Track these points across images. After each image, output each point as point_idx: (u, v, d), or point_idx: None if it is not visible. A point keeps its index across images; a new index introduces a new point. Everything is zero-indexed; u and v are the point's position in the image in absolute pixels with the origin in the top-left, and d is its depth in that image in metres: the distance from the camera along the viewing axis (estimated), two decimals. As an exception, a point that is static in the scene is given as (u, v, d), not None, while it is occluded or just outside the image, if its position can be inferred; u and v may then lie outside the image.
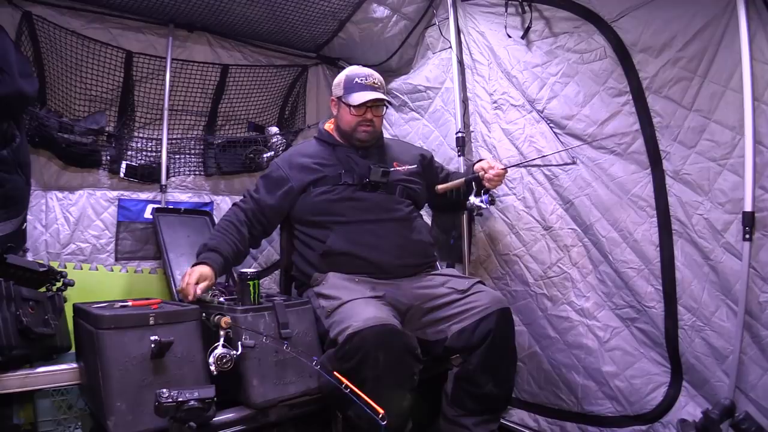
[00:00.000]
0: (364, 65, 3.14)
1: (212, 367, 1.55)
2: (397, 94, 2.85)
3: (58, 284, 1.99)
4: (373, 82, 2.04)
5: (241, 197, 2.10)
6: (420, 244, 2.05)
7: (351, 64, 3.21)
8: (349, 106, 2.00)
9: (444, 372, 1.97)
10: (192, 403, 1.30)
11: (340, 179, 2.01)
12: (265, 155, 2.99)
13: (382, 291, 1.86)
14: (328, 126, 2.18)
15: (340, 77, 2.08)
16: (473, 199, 1.98)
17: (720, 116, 1.71)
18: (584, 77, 2.03)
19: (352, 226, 1.96)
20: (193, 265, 1.87)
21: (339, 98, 2.07)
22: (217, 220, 2.82)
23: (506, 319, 1.89)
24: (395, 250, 1.97)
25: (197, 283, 1.79)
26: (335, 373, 1.44)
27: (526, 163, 2.19)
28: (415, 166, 2.15)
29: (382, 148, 2.18)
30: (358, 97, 1.99)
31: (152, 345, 1.56)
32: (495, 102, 2.34)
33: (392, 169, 2.07)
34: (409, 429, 1.70)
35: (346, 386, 1.36)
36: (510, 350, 1.92)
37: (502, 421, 2.30)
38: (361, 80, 2.02)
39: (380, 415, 1.27)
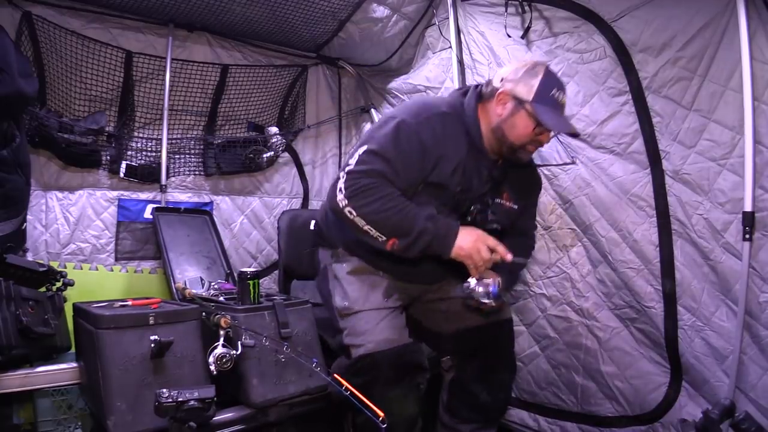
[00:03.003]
0: (364, 65, 3.19)
1: (212, 367, 1.55)
2: (397, 93, 2.85)
3: (58, 284, 1.99)
4: (564, 103, 1.61)
5: (366, 172, 1.50)
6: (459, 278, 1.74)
7: (351, 64, 3.24)
8: (537, 121, 1.54)
9: (438, 375, 1.95)
10: (192, 402, 1.31)
11: (451, 200, 1.63)
12: (264, 155, 2.99)
13: (397, 294, 1.74)
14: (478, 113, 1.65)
15: (533, 76, 1.56)
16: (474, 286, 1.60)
17: (720, 116, 1.70)
18: (584, 77, 2.02)
19: None
20: (448, 238, 1.54)
21: (521, 101, 1.55)
22: (216, 220, 2.84)
23: (506, 330, 1.85)
24: (433, 275, 1.77)
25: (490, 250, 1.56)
26: (335, 375, 1.45)
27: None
28: (517, 207, 1.76)
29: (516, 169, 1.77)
30: (555, 122, 1.56)
31: (152, 345, 1.57)
32: (495, 102, 2.34)
33: (499, 201, 1.71)
34: (419, 428, 1.71)
35: (347, 389, 1.37)
36: (506, 361, 1.85)
37: (501, 420, 2.30)
38: (557, 96, 1.56)
39: (380, 419, 1.27)
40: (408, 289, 1.79)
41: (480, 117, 1.63)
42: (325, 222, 1.82)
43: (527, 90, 1.54)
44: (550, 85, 1.55)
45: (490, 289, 1.57)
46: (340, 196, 1.51)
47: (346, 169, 1.52)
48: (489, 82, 1.65)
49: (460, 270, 1.63)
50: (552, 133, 1.64)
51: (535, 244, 1.99)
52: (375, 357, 1.58)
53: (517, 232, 1.83)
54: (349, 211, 1.50)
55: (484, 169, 1.64)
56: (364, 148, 1.53)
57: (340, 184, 1.51)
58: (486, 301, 1.58)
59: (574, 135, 1.70)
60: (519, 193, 1.77)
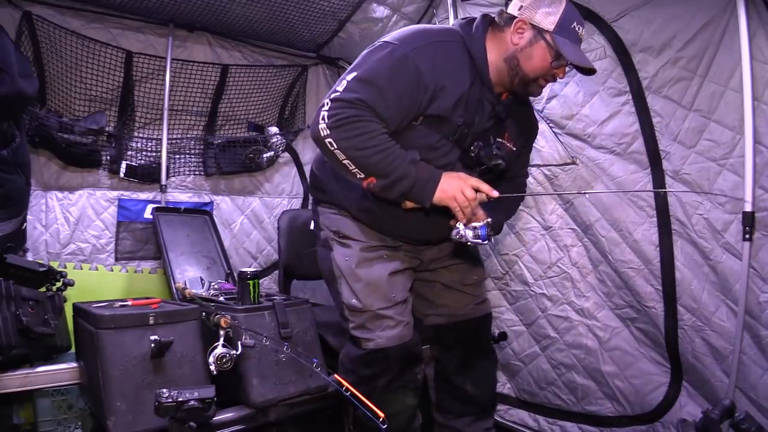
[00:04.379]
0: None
1: (212, 367, 1.55)
2: (397, 94, 2.85)
3: (58, 284, 2.00)
4: (583, 38, 1.52)
5: (353, 102, 1.38)
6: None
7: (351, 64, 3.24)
8: (558, 53, 1.45)
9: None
10: (192, 402, 1.31)
11: (453, 133, 1.52)
12: (265, 155, 2.99)
13: (404, 279, 1.69)
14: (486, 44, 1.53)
15: (554, 5, 1.46)
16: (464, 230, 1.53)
17: (720, 116, 1.70)
18: (584, 77, 2.02)
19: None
20: (429, 185, 1.46)
21: (541, 30, 1.46)
22: (217, 220, 2.84)
23: (486, 324, 1.88)
24: (437, 232, 1.64)
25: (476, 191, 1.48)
26: (336, 375, 1.45)
27: None
28: (516, 149, 1.70)
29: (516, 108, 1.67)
30: (576, 55, 1.46)
31: (152, 345, 1.57)
32: (495, 102, 2.33)
33: (501, 140, 1.62)
34: (419, 425, 1.73)
35: (347, 389, 1.37)
36: (484, 351, 1.87)
37: (500, 419, 2.31)
38: (578, 29, 1.48)
39: (381, 419, 1.27)
40: (411, 258, 1.72)
41: (488, 46, 1.53)
42: (322, 171, 1.72)
43: (549, 20, 1.45)
44: (572, 17, 1.47)
45: (480, 231, 1.51)
46: (322, 125, 1.39)
47: (332, 96, 1.40)
48: (502, 11, 1.54)
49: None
50: (567, 69, 1.54)
51: (525, 192, 1.91)
52: (388, 351, 1.60)
53: (509, 175, 1.75)
54: (330, 142, 1.39)
55: (488, 103, 1.55)
56: (354, 74, 1.41)
57: (324, 112, 1.39)
58: (477, 241, 1.52)
59: (592, 72, 1.54)
60: (519, 135, 1.70)
